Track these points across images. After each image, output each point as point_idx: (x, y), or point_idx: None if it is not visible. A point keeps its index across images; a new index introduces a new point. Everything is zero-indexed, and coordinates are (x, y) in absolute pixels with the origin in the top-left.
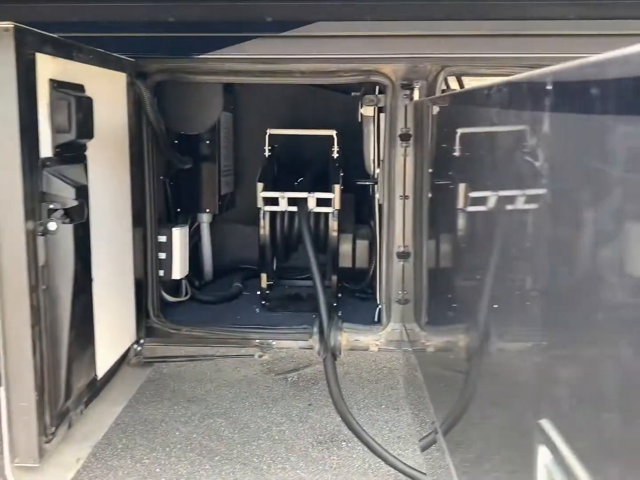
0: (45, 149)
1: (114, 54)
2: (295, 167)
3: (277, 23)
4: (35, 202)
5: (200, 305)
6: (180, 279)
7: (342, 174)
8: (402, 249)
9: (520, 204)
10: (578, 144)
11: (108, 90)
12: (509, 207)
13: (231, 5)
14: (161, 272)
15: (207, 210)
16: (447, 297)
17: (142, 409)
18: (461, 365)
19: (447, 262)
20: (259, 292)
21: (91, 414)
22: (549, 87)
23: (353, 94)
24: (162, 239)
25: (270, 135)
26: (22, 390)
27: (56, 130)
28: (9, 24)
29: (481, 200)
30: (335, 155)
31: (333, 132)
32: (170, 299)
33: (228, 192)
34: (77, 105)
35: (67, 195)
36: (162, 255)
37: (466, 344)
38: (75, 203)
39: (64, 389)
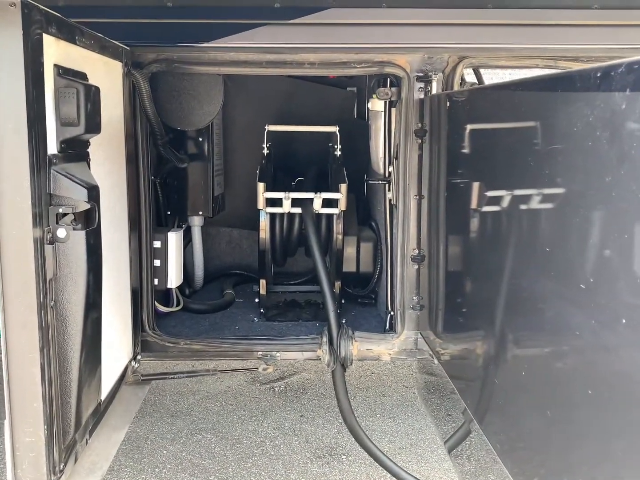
0: (51, 145)
1: (112, 41)
2: (291, 165)
3: (286, 9)
4: (43, 206)
5: (191, 316)
6: (170, 288)
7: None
8: (417, 252)
9: (543, 204)
10: (608, 143)
11: (105, 81)
12: (530, 207)
13: None
14: (155, 281)
15: (200, 212)
16: (467, 301)
17: None
18: (491, 361)
19: (467, 266)
20: (257, 300)
21: (93, 443)
22: (575, 85)
23: (349, 89)
24: (157, 244)
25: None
26: (30, 424)
27: (63, 122)
28: None
29: (501, 200)
30: (338, 153)
31: (335, 129)
32: (162, 309)
33: (219, 193)
34: (85, 95)
35: (78, 197)
36: (157, 263)
37: (492, 347)
38: (87, 206)
39: (74, 419)
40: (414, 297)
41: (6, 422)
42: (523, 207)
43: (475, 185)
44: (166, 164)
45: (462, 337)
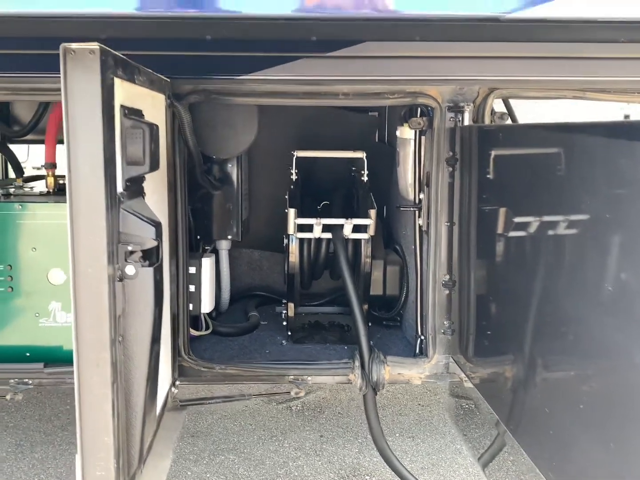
0: (119, 184)
1: (157, 74)
2: (316, 190)
3: (323, 42)
4: (114, 244)
5: (219, 339)
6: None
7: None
8: (447, 278)
9: (568, 231)
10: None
11: (153, 114)
12: (556, 233)
13: (273, 24)
14: (190, 306)
15: (229, 237)
16: (499, 325)
17: None
18: (529, 381)
19: (498, 291)
20: (284, 323)
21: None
22: (599, 137)
23: (371, 113)
24: (191, 270)
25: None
26: (101, 458)
27: (129, 162)
28: (94, 45)
29: (530, 227)
30: (365, 178)
31: (362, 154)
32: (194, 333)
33: (246, 216)
34: (150, 134)
35: (146, 235)
36: (191, 288)
37: (528, 368)
38: (154, 243)
39: (138, 451)
40: (445, 322)
41: (77, 456)
42: (549, 234)
43: (505, 213)
44: (197, 191)
45: (495, 359)
